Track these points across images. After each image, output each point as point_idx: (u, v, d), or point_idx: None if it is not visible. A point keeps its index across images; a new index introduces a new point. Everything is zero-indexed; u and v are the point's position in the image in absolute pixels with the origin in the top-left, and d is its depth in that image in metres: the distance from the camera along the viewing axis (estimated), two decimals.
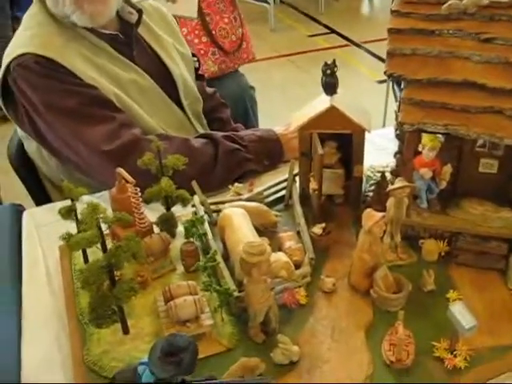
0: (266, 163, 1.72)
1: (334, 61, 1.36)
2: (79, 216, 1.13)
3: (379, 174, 1.63)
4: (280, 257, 1.15)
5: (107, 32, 1.69)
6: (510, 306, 1.23)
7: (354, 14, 6.76)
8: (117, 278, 1.10)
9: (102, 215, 0.96)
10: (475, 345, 1.13)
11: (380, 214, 1.18)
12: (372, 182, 1.61)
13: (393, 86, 3.33)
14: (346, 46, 5.73)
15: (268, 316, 1.14)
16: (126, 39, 1.75)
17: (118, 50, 1.71)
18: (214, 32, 2.75)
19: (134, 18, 1.77)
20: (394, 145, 1.83)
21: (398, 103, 1.80)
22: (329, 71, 1.35)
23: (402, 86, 1.31)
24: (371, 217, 1.19)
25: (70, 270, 1.33)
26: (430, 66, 1.25)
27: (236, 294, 1.16)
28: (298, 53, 5.47)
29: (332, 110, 1.36)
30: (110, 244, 1.04)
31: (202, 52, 2.70)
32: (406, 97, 1.24)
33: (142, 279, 1.24)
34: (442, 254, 1.35)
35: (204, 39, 2.72)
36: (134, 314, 1.20)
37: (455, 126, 1.20)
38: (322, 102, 1.39)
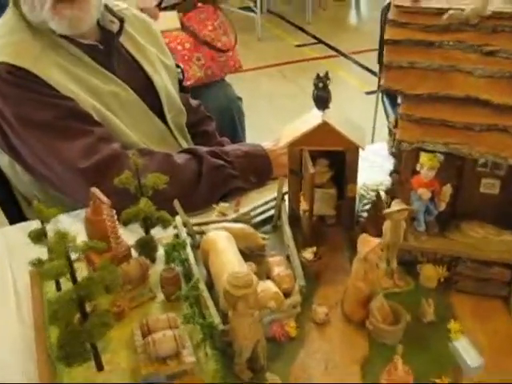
0: (253, 180, 1.63)
1: (327, 73, 1.27)
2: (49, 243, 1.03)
3: (373, 193, 1.55)
4: (269, 286, 1.06)
5: (86, 42, 1.60)
6: None
7: (341, 24, 6.72)
8: (90, 310, 1.00)
9: (71, 244, 0.86)
10: (479, 382, 1.04)
11: (377, 240, 1.10)
12: (365, 201, 1.52)
13: (382, 97, 3.27)
14: (334, 56, 5.67)
15: (255, 351, 1.04)
16: (107, 49, 1.65)
17: (97, 61, 1.61)
18: (206, 38, 2.68)
19: (116, 27, 1.68)
20: (387, 162, 1.77)
21: (393, 119, 1.73)
22: (321, 84, 1.26)
23: (399, 101, 1.23)
24: (367, 243, 1.10)
25: (40, 299, 1.22)
26: (429, 80, 1.17)
27: (221, 327, 1.07)
28: (286, 63, 5.40)
29: (324, 126, 1.28)
30: (83, 272, 0.94)
31: (186, 58, 2.60)
32: (404, 113, 1.16)
33: (118, 309, 1.14)
34: (442, 279, 1.26)
35: (187, 45, 2.63)
36: (109, 347, 1.10)
37: (457, 145, 1.12)
38: (314, 117, 1.31)
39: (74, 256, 0.89)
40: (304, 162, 1.30)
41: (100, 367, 1.05)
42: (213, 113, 2.11)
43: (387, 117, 2.99)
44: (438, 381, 1.04)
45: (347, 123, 1.34)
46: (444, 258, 1.28)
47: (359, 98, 4.61)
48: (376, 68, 3.85)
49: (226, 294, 0.95)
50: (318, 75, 1.27)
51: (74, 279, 0.90)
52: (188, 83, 2.31)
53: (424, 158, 1.20)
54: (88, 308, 0.99)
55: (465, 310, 1.21)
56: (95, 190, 1.16)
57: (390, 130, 1.77)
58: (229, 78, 2.90)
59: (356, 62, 5.42)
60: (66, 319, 0.91)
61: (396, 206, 1.16)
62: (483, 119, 1.13)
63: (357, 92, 4.81)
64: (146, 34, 1.82)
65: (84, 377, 1.04)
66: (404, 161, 1.20)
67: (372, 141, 3.28)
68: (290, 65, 5.37)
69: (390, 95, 3.20)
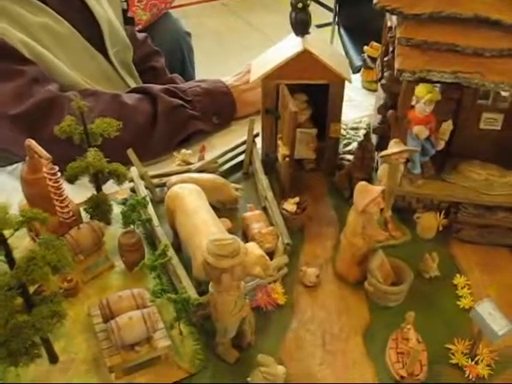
0: (216, 121, 1.43)
1: None
2: None
3: (353, 132, 1.39)
4: (252, 249, 0.87)
5: None
6: None
7: None
8: (34, 291, 0.80)
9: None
10: (496, 345, 0.90)
11: (378, 189, 0.93)
12: (346, 141, 1.35)
13: (339, 30, 3.05)
14: None
15: (242, 328, 0.87)
16: None
17: None
18: None
19: None
20: (361, 96, 1.60)
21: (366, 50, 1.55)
22: (300, 4, 1.05)
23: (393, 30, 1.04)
24: (367, 192, 0.93)
25: None
26: None
27: (197, 300, 0.89)
28: None
29: (304, 55, 1.08)
30: (25, 241, 0.73)
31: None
32: (403, 36, 0.97)
33: (70, 285, 0.94)
34: (440, 228, 1.12)
35: None
36: (62, 331, 0.89)
37: (467, 74, 0.94)
38: (292, 44, 1.10)
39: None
40: (282, 100, 1.11)
41: (53, 359, 0.86)
42: (161, 49, 1.86)
43: (346, 53, 2.80)
44: (452, 346, 0.91)
45: (329, 51, 1.15)
46: (442, 204, 1.13)
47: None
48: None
49: (208, 267, 0.77)
50: None
51: (10, 261, 0.69)
52: (137, 29, 2.04)
53: (422, 89, 1.03)
54: (32, 288, 0.80)
55: (470, 262, 1.07)
56: (31, 142, 0.93)
57: (364, 62, 1.60)
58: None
59: None
60: (4, 312, 0.70)
61: (395, 147, 0.99)
62: (495, 43, 0.96)
63: None
64: None
65: (34, 375, 0.85)
66: (403, 94, 1.02)
67: None
68: None
69: (348, 28, 3.01)
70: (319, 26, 4.29)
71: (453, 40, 0.96)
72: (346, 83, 1.14)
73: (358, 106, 1.50)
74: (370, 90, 1.56)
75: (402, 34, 0.98)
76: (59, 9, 1.40)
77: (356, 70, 2.06)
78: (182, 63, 2.35)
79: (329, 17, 3.39)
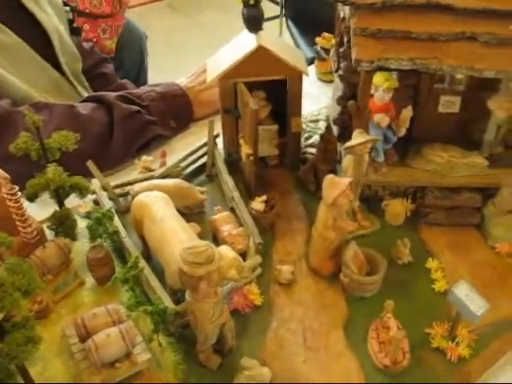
0: (174, 125, 1.41)
1: None
2: None
3: (312, 125, 1.38)
4: (225, 252, 0.86)
5: None
6: (498, 268, 1.04)
7: None
8: (2, 318, 0.76)
9: None
10: (475, 325, 0.91)
11: (346, 181, 0.92)
12: (306, 135, 1.35)
13: (287, 22, 3.05)
14: None
15: (222, 334, 0.86)
16: None
17: None
18: (87, 10, 2.28)
19: None
20: (317, 88, 1.60)
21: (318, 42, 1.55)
22: (252, 1, 1.04)
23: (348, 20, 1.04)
24: (336, 185, 0.92)
25: None
26: None
27: (174, 310, 0.87)
28: None
29: (260, 52, 1.07)
30: None
31: (95, 40, 2.24)
32: (357, 27, 0.97)
33: (40, 307, 0.91)
34: (408, 214, 1.13)
35: (87, 27, 2.24)
36: (38, 356, 0.86)
37: (424, 60, 0.95)
38: (245, 42, 1.09)
39: None
40: (241, 98, 1.09)
41: None
42: (123, 53, 1.82)
43: (296, 45, 2.80)
44: (431, 331, 0.92)
45: (283, 46, 1.14)
46: (408, 190, 1.14)
47: None
48: None
49: (183, 276, 0.75)
50: None
51: None
52: (110, 56, 2.00)
53: (380, 77, 1.04)
54: (0, 315, 0.76)
55: (440, 245, 1.08)
56: None
57: (318, 53, 1.60)
58: None
59: None
60: None
61: (359, 137, 0.99)
62: (448, 27, 0.97)
63: None
64: None
65: None
66: (362, 83, 1.01)
67: None
68: None
69: (296, 20, 3.01)
70: (266, 20, 4.28)
71: (407, 27, 0.97)
72: (304, 76, 1.14)
73: (315, 99, 1.50)
74: (325, 81, 1.56)
75: (356, 25, 0.98)
76: (5, 20, 1.35)
77: (309, 62, 2.06)
78: (140, 66, 2.31)
79: (276, 10, 3.39)
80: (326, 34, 1.56)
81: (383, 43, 0.96)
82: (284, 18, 3.10)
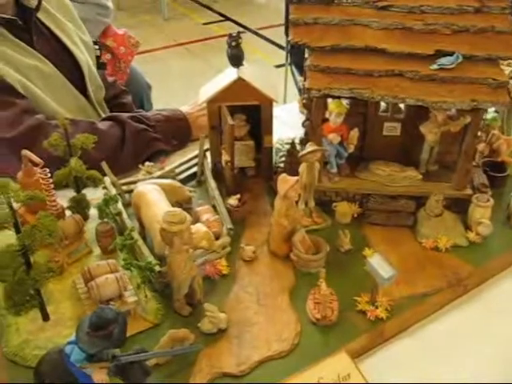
0: (175, 143, 1.71)
1: (239, 33, 1.36)
2: None
3: (288, 146, 1.67)
4: (199, 227, 1.14)
5: (5, 16, 1.60)
6: (421, 258, 1.30)
7: (247, 1, 6.81)
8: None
9: (12, 194, 0.90)
10: (394, 296, 1.18)
11: (294, 178, 1.21)
12: (281, 153, 1.63)
13: (291, 69, 3.40)
14: (241, 32, 5.74)
15: (192, 287, 1.13)
16: (25, 25, 1.66)
17: (16, 36, 1.63)
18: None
19: (34, 3, 1.69)
20: (299, 119, 1.89)
21: (301, 81, 1.84)
22: (234, 43, 1.35)
23: (306, 59, 1.33)
24: (286, 181, 1.21)
25: None
26: (332, 33, 1.29)
27: (158, 268, 1.14)
28: (194, 41, 5.44)
29: (239, 82, 1.37)
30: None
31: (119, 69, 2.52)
32: (311, 64, 1.27)
33: (57, 264, 1.19)
34: (355, 215, 1.40)
35: (108, 57, 2.51)
36: (52, 299, 1.15)
37: (360, 90, 1.24)
38: (229, 74, 1.39)
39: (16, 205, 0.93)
40: (223, 117, 1.39)
41: (46, 317, 1.10)
42: None
43: (296, 84, 3.14)
44: (358, 298, 1.17)
45: (261, 79, 1.44)
46: (356, 196, 1.41)
47: (269, 72, 4.74)
48: (283, 42, 3.98)
49: (163, 232, 1.03)
50: (230, 34, 1.36)
51: (17, 229, 0.95)
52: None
53: (332, 105, 1.33)
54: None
55: (377, 239, 1.35)
56: (26, 153, 1.20)
57: (299, 90, 1.91)
58: (139, 59, 2.89)
59: (264, 38, 5.55)
60: (12, 269, 0.95)
61: (309, 148, 1.27)
62: (381, 66, 1.26)
63: (266, 66, 4.94)
64: (62, 9, 1.84)
65: (29, 330, 1.09)
66: (314, 108, 1.31)
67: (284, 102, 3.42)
68: (198, 43, 5.42)
69: (299, 66, 3.36)
70: (278, 66, 4.66)
71: (349, 65, 1.26)
72: (280, 106, 1.43)
73: (294, 127, 1.79)
74: (303, 113, 1.86)
75: (311, 62, 1.28)
76: (45, 53, 1.69)
77: None
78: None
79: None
80: None
81: (330, 77, 1.26)
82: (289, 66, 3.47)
